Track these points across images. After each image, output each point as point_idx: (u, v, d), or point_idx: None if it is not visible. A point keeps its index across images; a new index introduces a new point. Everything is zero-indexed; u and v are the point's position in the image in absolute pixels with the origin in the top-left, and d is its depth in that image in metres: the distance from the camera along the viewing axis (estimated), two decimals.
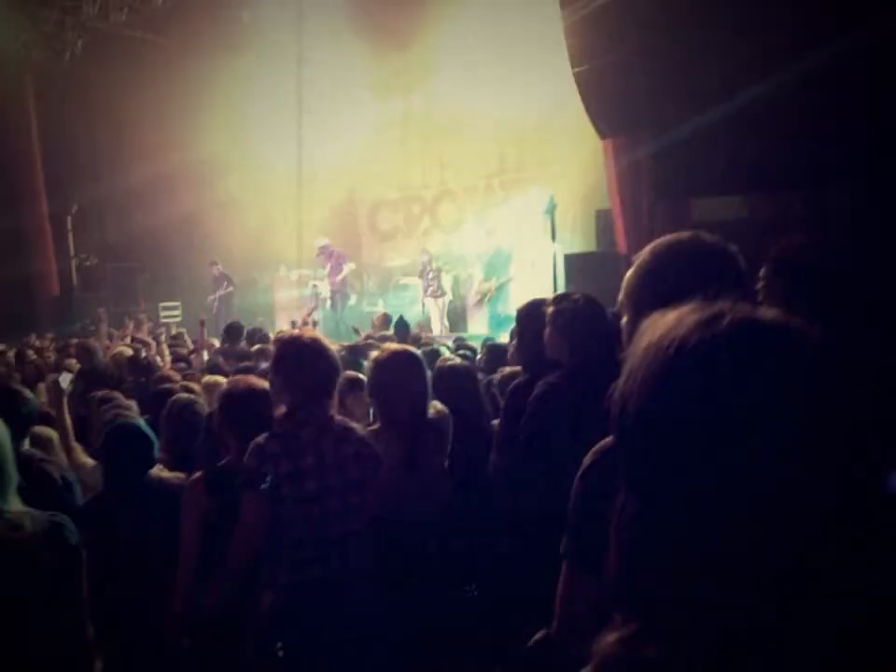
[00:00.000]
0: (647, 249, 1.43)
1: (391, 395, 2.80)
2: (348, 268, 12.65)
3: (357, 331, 7.86)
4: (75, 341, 8.03)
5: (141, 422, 2.97)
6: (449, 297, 12.34)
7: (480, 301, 11.85)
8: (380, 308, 12.28)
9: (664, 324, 0.76)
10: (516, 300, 8.66)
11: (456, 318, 12.22)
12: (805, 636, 0.68)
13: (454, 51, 12.93)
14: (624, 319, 1.43)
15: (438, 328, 11.91)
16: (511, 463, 2.72)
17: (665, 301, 0.80)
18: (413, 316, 9.89)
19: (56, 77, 12.66)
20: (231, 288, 13.55)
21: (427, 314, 12.27)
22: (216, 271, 13.55)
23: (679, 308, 0.76)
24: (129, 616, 2.66)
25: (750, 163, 5.80)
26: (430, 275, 12.26)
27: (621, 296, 1.44)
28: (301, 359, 2.48)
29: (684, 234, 1.42)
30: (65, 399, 3.88)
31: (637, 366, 0.75)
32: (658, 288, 1.30)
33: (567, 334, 2.54)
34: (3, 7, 11.80)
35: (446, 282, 12.36)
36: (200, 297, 13.65)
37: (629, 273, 1.44)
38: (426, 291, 12.38)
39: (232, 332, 6.82)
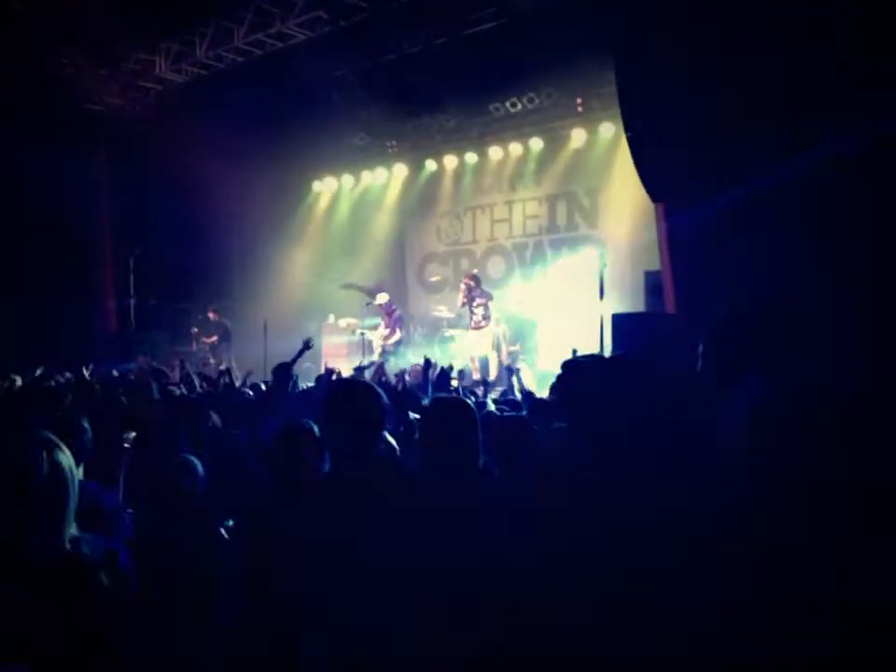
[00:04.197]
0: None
1: (441, 443, 2.71)
2: (400, 333, 12.54)
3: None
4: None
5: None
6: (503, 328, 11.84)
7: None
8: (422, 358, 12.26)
9: None
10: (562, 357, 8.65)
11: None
12: None
13: (509, 113, 13.24)
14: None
15: (496, 364, 11.15)
16: None
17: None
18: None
19: (127, 127, 13.30)
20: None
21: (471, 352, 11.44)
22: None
23: None
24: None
25: (800, 230, 5.78)
26: (475, 303, 11.35)
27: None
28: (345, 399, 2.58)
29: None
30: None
31: None
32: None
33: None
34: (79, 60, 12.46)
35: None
36: (250, 341, 13.96)
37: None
38: (471, 322, 11.52)
39: (280, 375, 6.85)
